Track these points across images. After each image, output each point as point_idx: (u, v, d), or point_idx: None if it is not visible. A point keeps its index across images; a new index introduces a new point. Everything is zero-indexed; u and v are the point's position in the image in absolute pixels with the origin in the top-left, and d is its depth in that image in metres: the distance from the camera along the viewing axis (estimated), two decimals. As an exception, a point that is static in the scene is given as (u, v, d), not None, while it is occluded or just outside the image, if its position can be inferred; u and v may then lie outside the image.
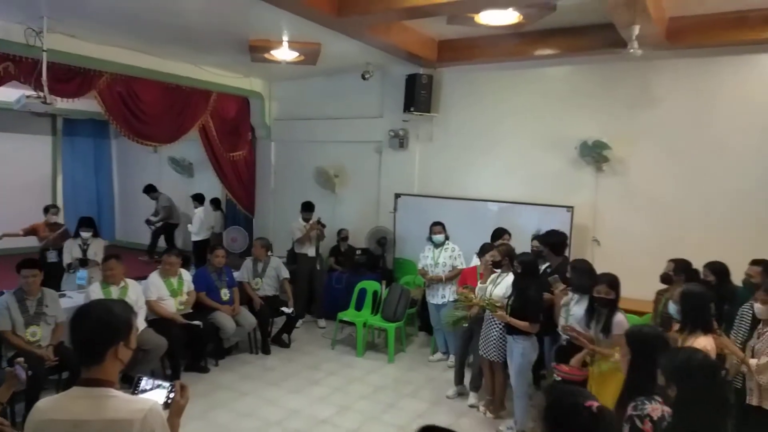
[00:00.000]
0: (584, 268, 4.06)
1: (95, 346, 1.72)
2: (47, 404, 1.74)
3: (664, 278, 4.37)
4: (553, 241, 4.95)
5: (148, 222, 10.17)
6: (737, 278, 4.25)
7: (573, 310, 4.00)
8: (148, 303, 5.22)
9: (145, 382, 1.90)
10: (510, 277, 4.50)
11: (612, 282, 3.70)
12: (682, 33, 5.19)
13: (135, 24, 5.47)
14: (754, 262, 4.13)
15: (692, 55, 5.48)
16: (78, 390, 1.71)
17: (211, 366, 5.59)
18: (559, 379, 3.82)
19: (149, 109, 7.05)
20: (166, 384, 1.90)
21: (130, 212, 12.18)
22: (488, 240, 5.37)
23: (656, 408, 2.16)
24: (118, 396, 1.72)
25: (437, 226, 5.89)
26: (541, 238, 5.13)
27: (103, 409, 1.66)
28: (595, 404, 1.54)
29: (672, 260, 4.37)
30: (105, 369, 1.72)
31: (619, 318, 3.65)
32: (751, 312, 3.60)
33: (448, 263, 5.77)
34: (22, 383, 2.52)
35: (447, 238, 5.90)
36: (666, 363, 2.04)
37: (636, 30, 4.63)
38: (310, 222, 6.94)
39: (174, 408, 1.83)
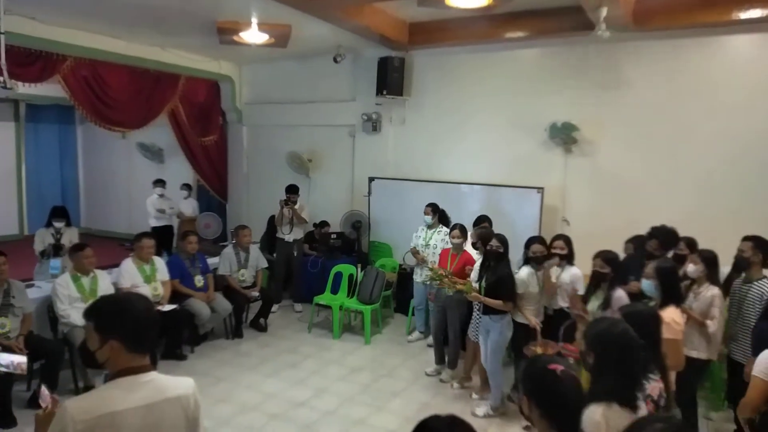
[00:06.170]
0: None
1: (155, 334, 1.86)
2: (93, 401, 1.66)
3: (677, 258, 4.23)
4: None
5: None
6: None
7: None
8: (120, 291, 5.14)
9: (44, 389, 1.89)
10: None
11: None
12: (649, 15, 5.28)
13: (97, 5, 5.30)
14: (746, 239, 3.99)
15: (659, 37, 5.56)
16: (125, 380, 1.70)
17: (187, 353, 5.57)
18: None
19: (116, 93, 6.89)
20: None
21: (97, 199, 11.93)
22: (461, 220, 5.42)
23: (655, 387, 2.20)
24: (162, 376, 1.79)
25: (427, 207, 5.88)
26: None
27: (162, 388, 1.74)
28: (560, 368, 1.71)
29: (628, 241, 4.47)
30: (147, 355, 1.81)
31: (619, 294, 3.64)
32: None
33: (440, 245, 5.79)
34: None
35: (442, 220, 5.89)
36: (587, 331, 2.13)
37: (603, 12, 4.70)
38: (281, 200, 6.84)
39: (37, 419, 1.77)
